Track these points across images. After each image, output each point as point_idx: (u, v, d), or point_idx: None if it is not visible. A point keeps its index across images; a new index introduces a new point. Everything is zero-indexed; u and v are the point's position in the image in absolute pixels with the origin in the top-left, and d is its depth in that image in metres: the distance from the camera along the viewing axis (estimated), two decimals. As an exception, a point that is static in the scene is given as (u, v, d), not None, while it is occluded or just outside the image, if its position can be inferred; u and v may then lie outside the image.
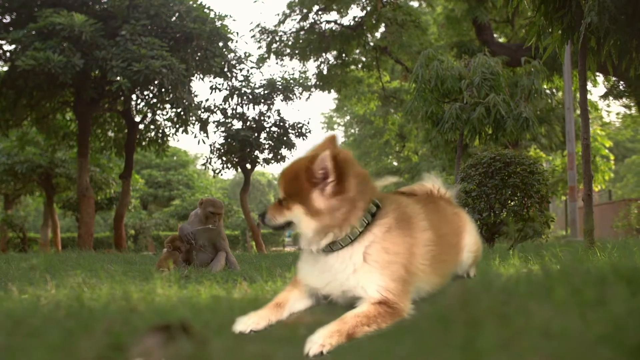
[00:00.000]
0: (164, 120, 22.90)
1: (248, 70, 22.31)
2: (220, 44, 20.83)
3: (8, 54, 18.62)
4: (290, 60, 28.92)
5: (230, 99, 22.09)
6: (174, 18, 19.48)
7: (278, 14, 28.33)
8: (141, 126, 22.96)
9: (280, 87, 22.21)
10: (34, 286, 3.15)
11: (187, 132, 22.39)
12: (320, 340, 2.24)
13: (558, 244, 5.26)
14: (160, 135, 23.19)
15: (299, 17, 27.76)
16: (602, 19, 7.32)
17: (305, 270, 3.00)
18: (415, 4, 31.23)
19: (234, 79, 22.00)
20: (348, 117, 53.83)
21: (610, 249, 4.50)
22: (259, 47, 28.22)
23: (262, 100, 22.09)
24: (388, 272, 2.77)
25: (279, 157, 22.08)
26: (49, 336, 1.61)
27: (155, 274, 3.21)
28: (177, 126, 22.39)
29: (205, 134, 22.29)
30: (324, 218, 2.76)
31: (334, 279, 2.85)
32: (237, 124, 22.10)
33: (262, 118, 22.19)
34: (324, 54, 28.63)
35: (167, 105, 21.42)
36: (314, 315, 2.48)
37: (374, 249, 2.77)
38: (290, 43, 27.89)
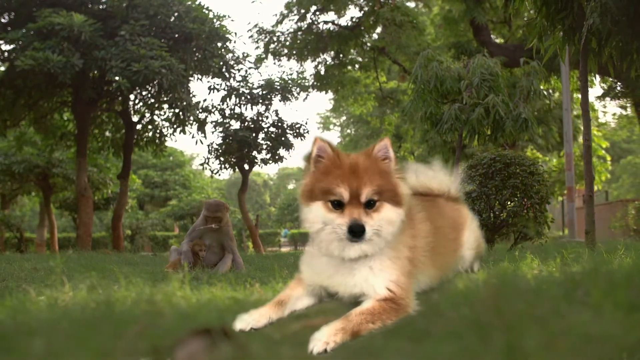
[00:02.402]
0: (162, 120, 22.89)
1: (246, 71, 22.35)
2: (219, 44, 20.85)
3: (6, 53, 18.60)
4: (288, 60, 28.93)
5: (228, 99, 22.10)
6: (172, 18, 19.49)
7: (276, 14, 28.27)
8: (139, 126, 22.94)
9: (278, 87, 22.23)
10: (49, 288, 3.16)
11: (184, 133, 22.36)
12: (324, 337, 2.25)
13: (569, 245, 5.27)
14: (158, 135, 23.16)
15: (296, 17, 27.76)
16: (604, 20, 7.35)
17: (313, 270, 2.96)
18: (412, 5, 31.25)
19: (232, 79, 22.02)
20: (344, 118, 53.79)
21: (621, 250, 4.52)
22: (257, 48, 28.21)
23: (260, 101, 22.11)
24: (398, 266, 2.80)
25: (276, 157, 22.10)
26: (87, 340, 1.62)
27: (173, 275, 3.22)
28: (175, 126, 22.37)
29: (203, 134, 22.28)
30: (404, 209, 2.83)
31: (351, 279, 2.80)
32: (235, 124, 22.12)
33: (260, 118, 22.22)
34: (321, 55, 28.64)
35: (165, 106, 21.44)
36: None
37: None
38: (287, 43, 27.88)
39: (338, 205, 2.72)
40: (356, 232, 2.66)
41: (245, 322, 2.59)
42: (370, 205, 2.74)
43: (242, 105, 22.22)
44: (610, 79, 24.49)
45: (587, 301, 1.72)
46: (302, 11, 27.57)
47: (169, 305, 2.57)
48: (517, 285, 2.01)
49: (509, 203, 9.27)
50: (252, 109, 22.28)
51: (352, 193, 2.71)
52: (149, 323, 1.91)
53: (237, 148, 21.41)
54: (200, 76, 21.57)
